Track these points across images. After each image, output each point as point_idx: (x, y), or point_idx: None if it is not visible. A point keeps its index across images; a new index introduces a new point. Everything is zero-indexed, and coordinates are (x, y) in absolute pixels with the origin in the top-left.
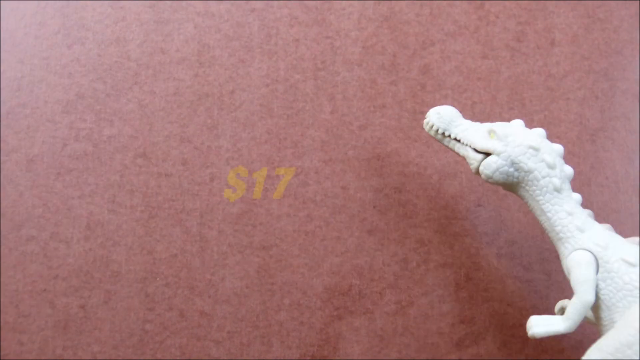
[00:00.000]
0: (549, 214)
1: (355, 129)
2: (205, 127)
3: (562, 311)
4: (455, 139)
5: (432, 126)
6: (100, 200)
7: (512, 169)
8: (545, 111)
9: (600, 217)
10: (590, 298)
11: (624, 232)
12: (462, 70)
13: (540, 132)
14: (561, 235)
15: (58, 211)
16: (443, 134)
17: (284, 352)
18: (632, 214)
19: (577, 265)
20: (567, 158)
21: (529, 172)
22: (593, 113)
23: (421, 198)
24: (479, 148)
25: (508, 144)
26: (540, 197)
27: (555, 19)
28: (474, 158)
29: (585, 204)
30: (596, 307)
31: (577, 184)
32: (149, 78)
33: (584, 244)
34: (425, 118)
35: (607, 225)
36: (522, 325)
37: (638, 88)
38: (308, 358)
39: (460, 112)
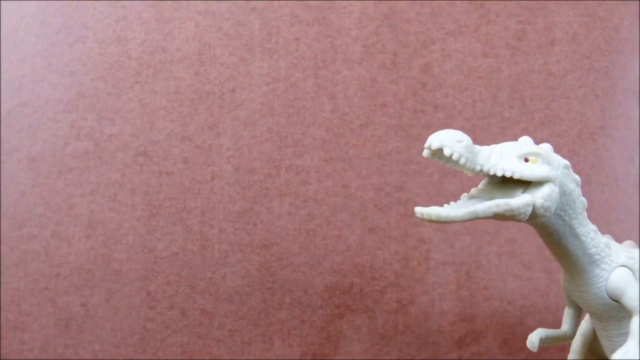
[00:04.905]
0: (582, 237)
1: (356, 128)
2: (206, 125)
3: (542, 342)
4: (480, 171)
5: (458, 159)
6: (102, 198)
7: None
8: (546, 110)
9: (600, 216)
10: None
11: (624, 230)
12: (462, 68)
13: (550, 147)
14: (596, 257)
15: (59, 210)
16: (465, 165)
17: (285, 350)
18: (632, 212)
19: (631, 284)
20: (568, 156)
21: (569, 194)
22: (593, 111)
23: (422, 196)
24: (533, 178)
25: (553, 167)
26: (575, 221)
27: (556, 18)
28: (525, 205)
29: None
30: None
31: None
32: (150, 77)
33: (619, 259)
34: (443, 148)
35: (607, 235)
36: (523, 324)
37: (638, 87)
38: (309, 356)
39: (461, 111)
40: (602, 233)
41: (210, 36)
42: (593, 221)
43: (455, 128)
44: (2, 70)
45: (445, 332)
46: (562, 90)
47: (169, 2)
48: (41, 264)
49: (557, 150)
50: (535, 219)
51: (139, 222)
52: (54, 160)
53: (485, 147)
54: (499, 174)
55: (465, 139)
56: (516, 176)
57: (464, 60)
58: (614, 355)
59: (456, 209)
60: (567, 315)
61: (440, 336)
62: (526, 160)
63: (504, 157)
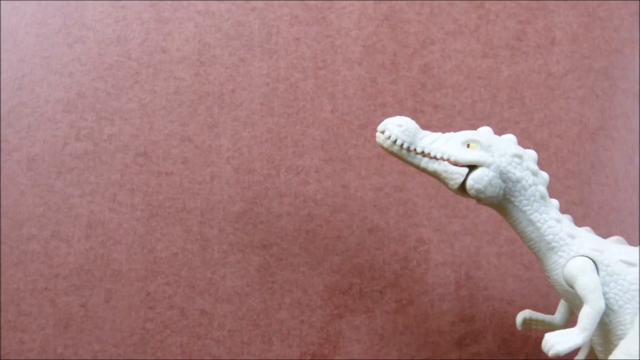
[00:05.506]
0: (538, 224)
1: (355, 128)
2: (206, 126)
3: (526, 323)
4: (422, 152)
5: (395, 140)
6: (101, 199)
7: (500, 181)
8: (546, 110)
9: (600, 216)
10: (603, 304)
11: (624, 230)
12: (462, 69)
13: (513, 138)
14: (553, 244)
15: (59, 210)
16: (408, 148)
17: (285, 350)
18: (632, 213)
19: (584, 273)
20: (568, 157)
21: (517, 181)
22: (593, 112)
23: (421, 197)
24: (463, 161)
25: (493, 154)
26: (528, 207)
27: (556, 18)
28: (457, 172)
29: (585, 203)
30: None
31: (577, 183)
32: (149, 77)
33: (580, 249)
34: (383, 132)
35: (587, 228)
36: None
37: (638, 87)
38: (308, 357)
39: (461, 111)
40: (602, 233)
41: (210, 36)
42: (593, 221)
43: (455, 128)
44: (2, 70)
45: (445, 333)
46: (562, 91)
47: (169, 2)
48: (40, 264)
49: (557, 150)
50: (474, 197)
51: (139, 223)
52: (54, 160)
53: (434, 133)
54: (438, 156)
55: (406, 123)
56: (451, 159)
57: (463, 60)
58: (549, 337)
59: None
60: (560, 305)
61: (440, 336)
62: (468, 146)
63: (449, 142)
